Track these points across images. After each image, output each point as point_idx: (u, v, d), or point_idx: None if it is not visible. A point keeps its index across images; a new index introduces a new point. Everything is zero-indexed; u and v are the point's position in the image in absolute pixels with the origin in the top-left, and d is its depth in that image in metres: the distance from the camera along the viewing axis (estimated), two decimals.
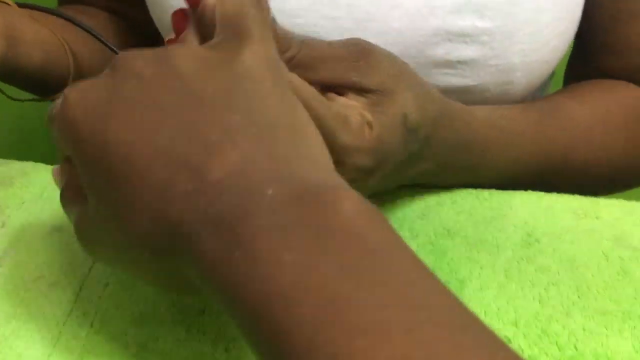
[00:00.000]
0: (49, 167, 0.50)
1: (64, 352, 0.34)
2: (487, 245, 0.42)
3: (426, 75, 0.49)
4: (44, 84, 0.54)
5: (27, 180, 0.48)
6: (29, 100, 0.55)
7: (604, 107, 0.52)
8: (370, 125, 0.37)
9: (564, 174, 0.50)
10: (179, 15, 0.35)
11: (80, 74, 0.56)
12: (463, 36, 0.47)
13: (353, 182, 0.37)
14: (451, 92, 0.49)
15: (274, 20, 0.35)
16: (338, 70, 0.37)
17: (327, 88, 0.38)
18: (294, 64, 0.36)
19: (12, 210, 0.45)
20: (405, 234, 0.43)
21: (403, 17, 0.47)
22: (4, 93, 0.51)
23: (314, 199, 0.25)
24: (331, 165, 0.30)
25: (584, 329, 0.36)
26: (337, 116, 0.35)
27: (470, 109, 0.44)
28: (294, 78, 0.34)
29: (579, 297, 0.38)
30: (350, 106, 0.37)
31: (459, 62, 0.48)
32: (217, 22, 0.32)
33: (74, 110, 0.29)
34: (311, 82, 0.36)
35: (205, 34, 0.33)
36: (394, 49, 0.47)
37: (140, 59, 0.30)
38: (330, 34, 0.48)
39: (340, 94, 0.38)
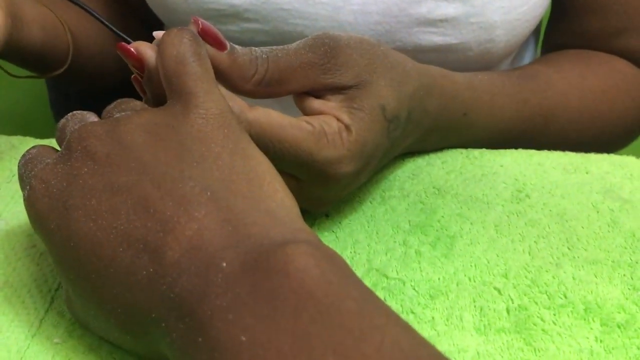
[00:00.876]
0: (38, 141, 0.50)
1: (56, 316, 0.35)
2: (478, 202, 0.42)
3: (409, 34, 0.49)
4: (43, 62, 0.54)
5: (16, 153, 0.47)
6: (28, 77, 0.55)
7: (579, 74, 0.53)
8: (348, 128, 0.36)
9: (546, 138, 0.51)
10: (136, 80, 0.36)
11: (79, 53, 0.56)
12: None
13: (344, 188, 0.38)
14: (434, 51, 0.49)
15: (232, 48, 0.35)
16: (310, 76, 0.37)
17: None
18: (264, 84, 0.36)
19: (1, 182, 0.45)
20: (395, 194, 0.43)
21: None
22: (4, 70, 0.51)
23: (265, 264, 0.25)
24: (292, 213, 0.30)
25: (573, 278, 0.36)
26: (310, 135, 0.35)
27: (449, 74, 0.44)
28: (255, 117, 0.34)
29: (568, 248, 0.38)
30: (326, 112, 0.37)
31: (440, 20, 0.48)
32: (163, 82, 0.33)
33: (40, 203, 0.31)
34: (286, 94, 0.37)
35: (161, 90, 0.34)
36: (376, 8, 0.47)
37: (93, 137, 0.31)
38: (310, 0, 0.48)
39: (317, 95, 0.38)
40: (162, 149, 0.30)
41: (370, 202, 0.43)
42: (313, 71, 0.37)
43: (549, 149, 0.48)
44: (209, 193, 0.28)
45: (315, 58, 0.37)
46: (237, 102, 0.34)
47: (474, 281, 0.36)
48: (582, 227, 0.40)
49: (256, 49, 0.36)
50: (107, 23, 0.45)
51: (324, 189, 0.38)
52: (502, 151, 0.48)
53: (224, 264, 0.26)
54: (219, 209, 0.28)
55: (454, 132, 0.46)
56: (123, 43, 0.35)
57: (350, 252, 0.38)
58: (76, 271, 0.29)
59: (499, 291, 0.35)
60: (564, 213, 0.41)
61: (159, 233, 0.28)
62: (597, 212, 0.41)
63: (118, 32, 0.42)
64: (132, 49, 0.34)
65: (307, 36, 0.48)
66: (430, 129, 0.43)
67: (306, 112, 0.38)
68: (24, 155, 0.35)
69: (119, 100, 0.36)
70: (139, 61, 0.34)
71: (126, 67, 0.36)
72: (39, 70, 0.55)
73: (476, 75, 0.47)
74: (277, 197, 0.30)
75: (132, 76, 0.36)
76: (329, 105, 0.37)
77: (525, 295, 0.35)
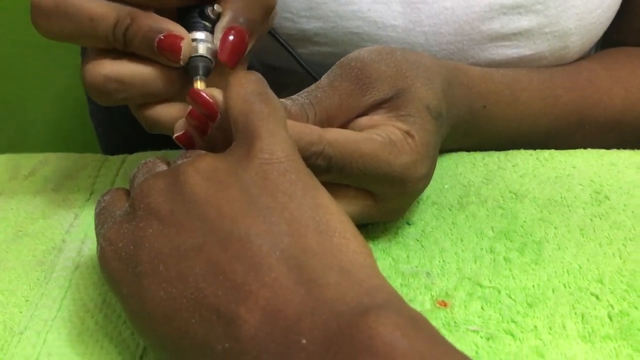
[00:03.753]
0: (109, 159, 0.50)
1: None
2: (558, 205, 0.42)
3: (481, 50, 0.48)
4: None
5: (92, 170, 0.48)
6: None
7: (630, 72, 0.52)
8: (409, 133, 0.36)
9: (582, 135, 0.50)
10: (184, 138, 0.35)
11: None
12: (517, 7, 0.47)
13: (418, 193, 0.38)
14: (507, 64, 0.49)
15: (283, 104, 0.35)
16: (352, 104, 0.37)
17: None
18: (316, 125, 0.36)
19: (82, 203, 0.45)
20: (472, 199, 0.43)
21: None
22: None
23: (349, 341, 0.24)
24: (366, 266, 0.28)
25: None
26: (384, 145, 0.35)
27: (462, 66, 0.44)
28: (334, 137, 0.34)
29: None
30: (382, 124, 0.37)
31: (514, 33, 0.48)
32: (231, 124, 0.32)
33: (110, 267, 0.30)
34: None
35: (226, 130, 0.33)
36: (448, 29, 0.47)
37: (154, 193, 0.30)
38: (383, 17, 0.47)
39: (360, 116, 0.38)
40: (226, 201, 0.29)
41: (450, 209, 0.43)
42: (353, 98, 0.37)
43: (588, 145, 0.48)
44: (277, 252, 0.27)
45: (350, 85, 0.37)
46: (313, 128, 0.34)
47: (570, 287, 0.36)
48: None
49: (297, 97, 0.36)
50: (298, 58, 0.45)
51: (400, 198, 0.38)
52: (572, 151, 0.48)
53: (304, 341, 0.25)
54: (289, 270, 0.27)
55: (476, 127, 0.46)
56: (196, 89, 0.34)
57: (439, 261, 0.39)
58: (153, 339, 0.29)
59: (597, 297, 0.35)
60: None
61: (231, 304, 0.26)
62: None
63: (307, 68, 0.44)
64: (205, 95, 0.33)
65: None
66: (456, 123, 0.43)
67: (356, 130, 0.38)
68: (98, 203, 0.35)
69: (184, 150, 0.35)
70: (211, 107, 0.33)
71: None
72: None
73: (497, 69, 0.47)
74: (349, 248, 0.28)
75: (175, 136, 0.35)
76: (377, 119, 0.37)
77: (624, 300, 0.35)
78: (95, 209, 0.34)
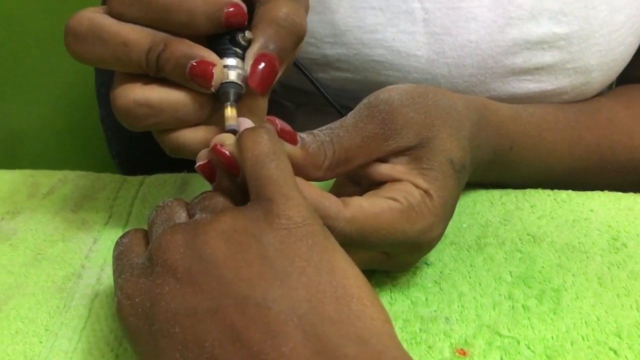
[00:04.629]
0: (127, 179, 0.50)
1: None
2: (575, 251, 0.42)
3: (503, 84, 0.49)
4: None
5: (110, 192, 0.48)
6: None
7: None
8: (428, 193, 0.36)
9: (602, 175, 0.50)
10: (206, 168, 0.35)
11: None
12: (541, 43, 0.47)
13: (432, 248, 0.38)
14: (528, 98, 0.49)
15: (302, 140, 0.35)
16: (373, 147, 0.37)
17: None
18: (334, 166, 0.36)
19: (101, 227, 0.45)
20: (490, 241, 0.43)
21: (480, 30, 0.47)
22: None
23: None
24: (384, 334, 0.28)
25: None
26: (401, 214, 0.35)
27: (496, 107, 0.44)
28: (353, 214, 0.34)
29: None
30: (398, 178, 0.37)
31: (536, 68, 0.48)
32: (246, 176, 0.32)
33: (127, 321, 0.30)
34: (353, 169, 0.37)
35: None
36: (471, 61, 0.47)
37: (173, 249, 0.30)
38: (407, 47, 0.48)
39: (382, 159, 0.38)
40: (244, 263, 0.29)
41: (468, 250, 0.43)
42: (376, 142, 0.37)
43: (608, 188, 0.48)
44: (295, 319, 0.27)
45: (375, 129, 0.37)
46: (333, 201, 0.34)
47: (588, 340, 0.36)
48: None
49: (319, 133, 0.36)
50: (322, 89, 0.45)
51: (413, 255, 0.39)
52: (589, 193, 0.48)
53: None
54: (306, 338, 0.27)
55: (499, 167, 0.46)
56: (218, 147, 0.34)
57: (458, 306, 0.39)
58: None
59: (615, 352, 0.36)
60: None
61: None
62: None
63: (330, 99, 0.44)
64: (227, 153, 0.33)
65: None
66: (480, 163, 0.43)
67: (375, 178, 0.38)
68: (117, 245, 0.35)
69: (203, 195, 0.35)
70: (233, 165, 0.33)
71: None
72: None
73: (526, 108, 0.47)
74: (367, 315, 0.28)
75: (196, 165, 0.35)
76: (399, 170, 0.37)
77: None
78: (114, 252, 0.34)
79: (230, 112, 0.36)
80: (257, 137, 0.32)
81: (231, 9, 0.35)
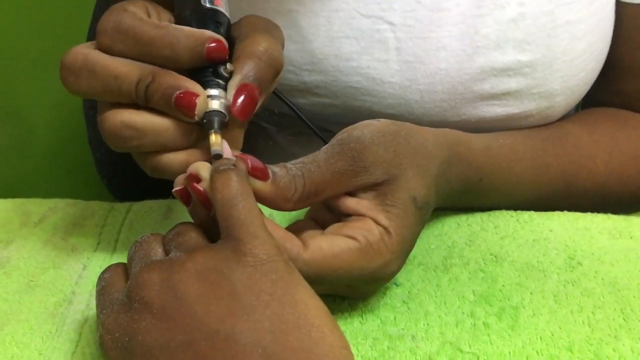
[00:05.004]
0: (116, 205, 0.53)
1: None
2: (534, 270, 0.46)
3: (473, 108, 0.52)
4: None
5: (98, 219, 0.51)
6: None
7: (611, 137, 0.56)
8: (387, 231, 0.39)
9: (568, 199, 0.53)
10: (182, 193, 0.38)
11: None
12: (506, 70, 0.50)
13: (389, 280, 0.41)
14: (496, 121, 0.53)
15: (273, 175, 0.38)
16: (342, 182, 0.40)
17: None
18: (303, 199, 0.39)
19: (90, 254, 0.48)
20: (456, 261, 0.47)
21: (449, 58, 0.50)
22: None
23: None
24: (342, 356, 0.32)
25: (632, 351, 0.39)
26: (359, 252, 0.38)
27: (467, 141, 0.47)
28: (311, 257, 0.37)
29: (624, 319, 0.41)
30: (362, 214, 0.40)
31: (503, 94, 0.51)
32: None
33: (109, 355, 0.33)
34: (321, 200, 0.40)
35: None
36: (442, 88, 0.51)
37: (149, 287, 0.33)
38: (381, 74, 0.51)
39: (349, 192, 0.41)
40: (214, 300, 0.32)
41: (434, 271, 0.46)
42: (345, 177, 0.40)
43: (575, 210, 0.51)
44: (260, 350, 0.30)
45: (345, 165, 0.39)
46: (295, 244, 0.37)
47: (542, 355, 0.39)
48: (634, 297, 0.43)
49: (291, 166, 0.39)
50: (301, 115, 0.49)
51: (373, 286, 0.42)
52: (549, 214, 0.51)
53: None
54: None
55: (468, 196, 0.49)
56: (194, 184, 0.37)
57: (424, 325, 0.42)
58: None
59: None
60: (615, 282, 0.44)
61: None
62: None
63: (309, 124, 0.47)
64: (202, 190, 0.36)
65: (375, 112, 0.52)
66: (450, 195, 0.46)
67: (341, 210, 0.41)
68: (99, 280, 0.37)
69: (177, 230, 0.37)
70: (209, 204, 0.36)
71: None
72: None
73: (497, 139, 0.50)
74: (326, 343, 0.32)
75: (173, 190, 0.38)
76: (364, 205, 0.40)
77: None
78: (97, 286, 0.37)
79: (214, 138, 0.39)
80: (226, 179, 0.35)
81: (213, 44, 0.38)
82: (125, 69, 0.38)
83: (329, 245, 0.38)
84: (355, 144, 0.40)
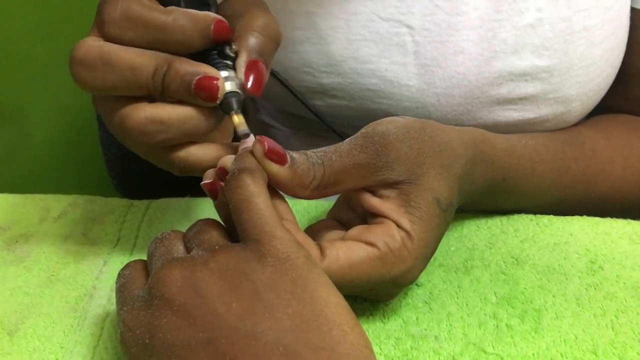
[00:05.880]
0: (131, 203, 0.53)
1: None
2: (555, 273, 0.45)
3: (489, 112, 0.52)
4: None
5: (118, 216, 0.51)
6: None
7: (626, 143, 0.56)
8: (409, 236, 0.38)
9: (586, 203, 0.53)
10: (211, 187, 0.38)
11: None
12: (524, 75, 0.50)
13: (406, 285, 0.41)
14: (512, 126, 0.53)
15: (291, 160, 0.37)
16: (363, 175, 0.39)
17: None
18: (321, 187, 0.38)
19: (110, 249, 0.48)
20: (477, 263, 0.46)
21: (467, 62, 0.50)
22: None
23: None
24: (363, 355, 0.31)
25: None
26: (378, 260, 0.37)
27: (492, 140, 0.47)
28: (327, 266, 0.36)
29: None
30: (385, 215, 0.39)
31: (520, 98, 0.51)
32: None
33: (129, 352, 0.33)
34: (340, 192, 0.40)
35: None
36: (459, 91, 0.51)
37: (171, 284, 0.33)
38: (399, 77, 0.51)
39: (370, 189, 0.40)
40: (236, 298, 0.32)
41: (455, 272, 0.46)
42: (366, 171, 0.39)
43: (592, 214, 0.51)
44: (281, 348, 0.30)
45: (367, 158, 0.39)
46: (312, 252, 0.37)
47: (566, 357, 0.39)
48: None
49: (312, 154, 0.39)
50: (307, 104, 0.49)
51: (394, 290, 0.42)
52: (569, 218, 0.51)
53: None
54: None
55: (491, 196, 0.48)
56: (220, 183, 0.37)
57: (446, 325, 0.42)
58: None
59: None
60: (637, 286, 0.44)
61: None
62: None
63: (326, 121, 0.47)
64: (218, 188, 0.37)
65: (392, 114, 0.52)
66: (473, 195, 0.46)
67: (365, 208, 0.40)
68: (119, 277, 0.37)
69: (198, 228, 0.37)
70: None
71: None
72: None
73: (520, 140, 0.50)
74: (347, 341, 0.31)
75: (202, 183, 0.38)
76: (387, 206, 0.39)
77: None
78: (116, 283, 0.37)
79: (237, 119, 0.39)
80: (238, 183, 0.35)
81: (217, 25, 0.38)
82: (141, 59, 0.37)
83: (346, 254, 0.37)
84: (379, 139, 0.39)
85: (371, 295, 0.42)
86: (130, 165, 0.85)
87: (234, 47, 0.39)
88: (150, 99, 0.39)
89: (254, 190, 0.34)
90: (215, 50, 0.39)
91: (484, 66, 0.50)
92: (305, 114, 0.56)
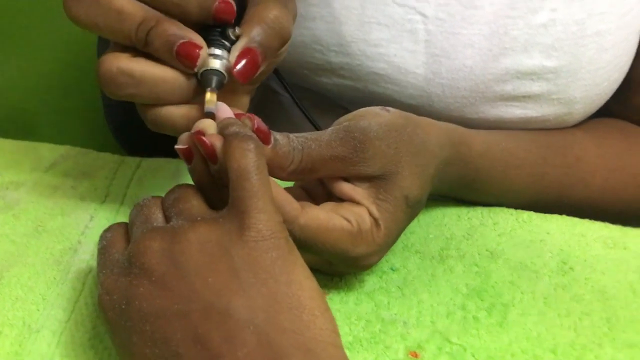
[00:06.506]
0: (122, 159, 0.54)
1: None
2: (527, 270, 0.47)
3: (492, 107, 0.53)
4: None
5: (108, 171, 0.52)
6: None
7: (616, 154, 0.56)
8: (377, 223, 0.41)
9: (559, 208, 0.54)
10: (185, 151, 0.37)
11: None
12: (530, 74, 0.51)
13: (368, 268, 0.43)
14: (513, 122, 0.53)
15: (275, 141, 0.38)
16: (339, 167, 0.40)
17: None
18: (298, 172, 0.39)
19: (97, 205, 0.49)
20: (452, 253, 0.48)
21: (476, 56, 0.50)
22: None
23: None
24: (329, 345, 0.32)
25: None
26: (349, 235, 0.39)
27: (470, 141, 0.48)
28: (306, 223, 0.38)
29: (609, 328, 0.43)
30: (357, 201, 0.41)
31: (524, 96, 0.52)
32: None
33: (106, 315, 0.34)
34: (315, 179, 0.41)
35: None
36: (465, 84, 0.51)
37: (150, 254, 0.33)
38: (407, 64, 0.51)
39: (345, 178, 0.42)
40: (213, 273, 0.32)
41: (431, 260, 0.47)
42: (342, 163, 0.40)
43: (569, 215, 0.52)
44: (251, 327, 0.31)
45: (345, 152, 0.40)
46: (294, 207, 0.38)
47: (526, 354, 0.41)
48: (621, 308, 0.44)
49: (294, 138, 0.39)
50: (302, 107, 0.49)
51: (351, 269, 0.44)
52: (548, 216, 0.52)
53: None
54: (260, 346, 0.30)
55: (463, 191, 0.51)
56: (201, 136, 0.36)
57: (416, 312, 0.43)
58: None
59: None
60: (604, 291, 0.46)
61: None
62: (634, 293, 0.46)
63: (311, 118, 0.48)
64: (208, 143, 0.36)
65: (395, 100, 0.52)
66: (442, 189, 0.48)
67: (336, 193, 0.42)
68: (101, 238, 0.38)
69: (177, 195, 0.37)
70: (213, 155, 0.36)
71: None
72: None
73: (500, 142, 0.51)
74: (316, 326, 0.32)
75: (176, 146, 0.38)
76: (359, 192, 0.41)
77: None
78: (98, 244, 0.38)
79: (209, 96, 0.39)
80: (245, 148, 0.35)
81: (221, 4, 0.38)
82: (130, 7, 0.37)
83: (326, 219, 0.39)
84: (359, 134, 0.40)
85: (327, 269, 0.44)
86: (128, 115, 0.86)
87: (237, 30, 0.40)
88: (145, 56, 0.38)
89: (258, 161, 0.35)
90: (219, 29, 0.40)
91: (492, 62, 0.51)
92: (308, 85, 0.57)
